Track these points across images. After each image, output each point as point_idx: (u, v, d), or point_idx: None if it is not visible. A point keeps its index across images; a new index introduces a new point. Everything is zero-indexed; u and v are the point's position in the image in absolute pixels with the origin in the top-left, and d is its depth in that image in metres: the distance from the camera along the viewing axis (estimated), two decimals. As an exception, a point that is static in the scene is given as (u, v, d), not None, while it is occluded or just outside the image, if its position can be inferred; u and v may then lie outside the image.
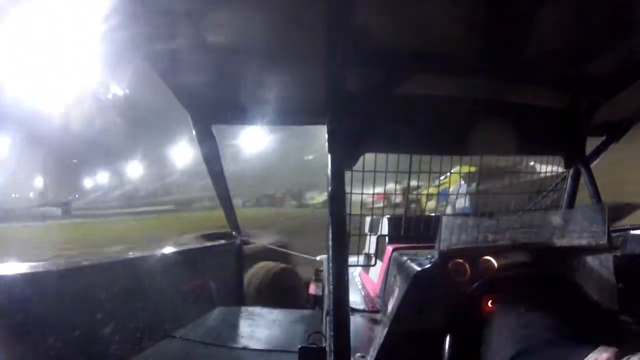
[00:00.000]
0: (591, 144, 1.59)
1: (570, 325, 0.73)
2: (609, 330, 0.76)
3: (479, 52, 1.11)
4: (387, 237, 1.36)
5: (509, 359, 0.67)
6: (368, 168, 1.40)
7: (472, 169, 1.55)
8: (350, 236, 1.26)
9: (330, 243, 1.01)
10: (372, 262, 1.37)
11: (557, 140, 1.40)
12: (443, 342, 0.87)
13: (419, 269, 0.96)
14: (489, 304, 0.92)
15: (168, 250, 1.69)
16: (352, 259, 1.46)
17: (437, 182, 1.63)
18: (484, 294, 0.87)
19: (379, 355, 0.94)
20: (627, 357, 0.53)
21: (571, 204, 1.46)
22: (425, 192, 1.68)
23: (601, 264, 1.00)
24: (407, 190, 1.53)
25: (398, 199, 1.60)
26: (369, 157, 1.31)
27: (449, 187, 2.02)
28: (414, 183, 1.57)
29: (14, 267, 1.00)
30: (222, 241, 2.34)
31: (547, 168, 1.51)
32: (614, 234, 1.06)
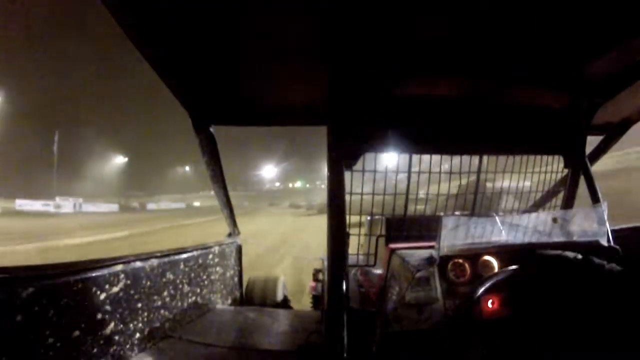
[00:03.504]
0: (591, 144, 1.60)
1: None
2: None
3: (479, 53, 1.11)
4: (386, 237, 1.36)
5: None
6: (368, 168, 1.40)
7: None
8: (350, 236, 1.25)
9: (329, 243, 1.01)
10: (372, 262, 1.37)
11: (557, 139, 1.41)
12: (442, 343, 0.87)
13: (418, 269, 0.96)
14: (489, 304, 0.92)
15: (168, 250, 1.68)
16: (351, 259, 1.46)
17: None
18: (484, 294, 0.86)
19: (378, 355, 0.94)
20: None
21: (571, 204, 1.46)
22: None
23: (601, 264, 1.00)
24: (407, 190, 1.52)
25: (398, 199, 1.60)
26: (369, 156, 1.32)
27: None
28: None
29: (12, 268, 0.99)
30: (222, 241, 2.34)
31: (546, 168, 1.51)
32: (613, 234, 1.06)
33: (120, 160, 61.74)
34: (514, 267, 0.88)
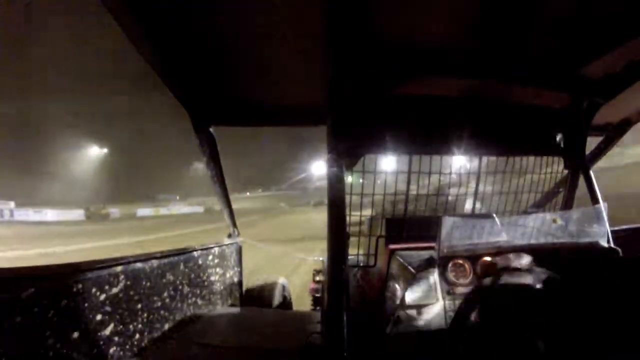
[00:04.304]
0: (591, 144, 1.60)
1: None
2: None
3: (479, 53, 1.11)
4: (386, 238, 1.36)
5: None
6: (368, 169, 1.40)
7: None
8: (350, 236, 1.25)
9: (329, 243, 1.01)
10: (372, 263, 1.37)
11: (557, 140, 1.41)
12: (443, 342, 0.87)
13: (418, 269, 0.96)
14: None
15: (168, 250, 1.68)
16: (351, 259, 1.46)
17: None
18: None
19: (378, 355, 0.94)
20: None
21: (570, 204, 1.46)
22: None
23: (601, 264, 1.00)
24: (407, 191, 1.52)
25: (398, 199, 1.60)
26: (369, 157, 1.31)
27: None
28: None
29: (13, 267, 0.99)
30: (222, 242, 2.35)
31: (546, 168, 1.51)
32: (613, 235, 1.06)
33: (115, 157, 50.45)
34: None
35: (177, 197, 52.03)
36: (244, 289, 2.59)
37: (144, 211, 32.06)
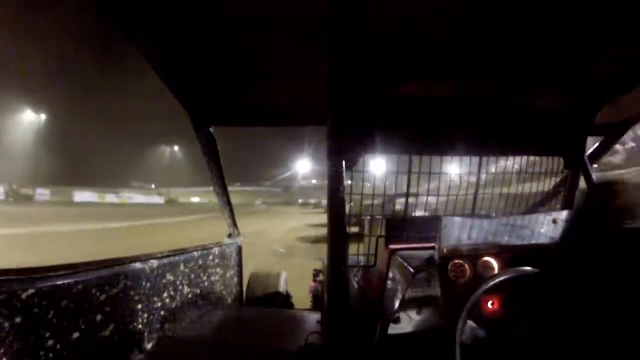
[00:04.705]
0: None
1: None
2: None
3: (479, 53, 1.11)
4: (386, 238, 1.36)
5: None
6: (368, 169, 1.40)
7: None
8: (350, 236, 1.25)
9: (329, 243, 1.01)
10: (372, 263, 1.37)
11: (557, 140, 1.41)
12: (443, 343, 0.87)
13: (418, 270, 0.96)
14: (489, 304, 0.92)
15: (168, 251, 1.69)
16: (351, 259, 1.46)
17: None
18: (484, 294, 0.86)
19: (377, 355, 0.94)
20: None
21: (570, 204, 1.46)
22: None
23: (601, 264, 1.00)
24: (407, 191, 1.52)
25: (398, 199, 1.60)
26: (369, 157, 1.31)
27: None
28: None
29: (13, 268, 0.99)
30: (222, 242, 2.35)
31: (547, 168, 1.51)
32: (613, 235, 1.06)
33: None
34: (516, 268, 0.88)
35: (153, 186, 50.04)
36: (245, 283, 2.61)
37: (83, 196, 25.36)
